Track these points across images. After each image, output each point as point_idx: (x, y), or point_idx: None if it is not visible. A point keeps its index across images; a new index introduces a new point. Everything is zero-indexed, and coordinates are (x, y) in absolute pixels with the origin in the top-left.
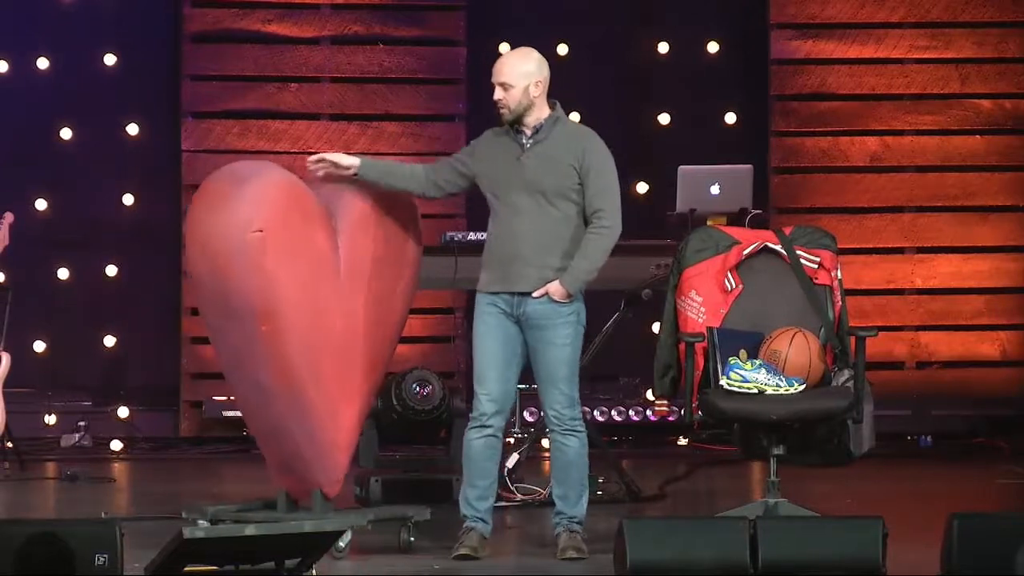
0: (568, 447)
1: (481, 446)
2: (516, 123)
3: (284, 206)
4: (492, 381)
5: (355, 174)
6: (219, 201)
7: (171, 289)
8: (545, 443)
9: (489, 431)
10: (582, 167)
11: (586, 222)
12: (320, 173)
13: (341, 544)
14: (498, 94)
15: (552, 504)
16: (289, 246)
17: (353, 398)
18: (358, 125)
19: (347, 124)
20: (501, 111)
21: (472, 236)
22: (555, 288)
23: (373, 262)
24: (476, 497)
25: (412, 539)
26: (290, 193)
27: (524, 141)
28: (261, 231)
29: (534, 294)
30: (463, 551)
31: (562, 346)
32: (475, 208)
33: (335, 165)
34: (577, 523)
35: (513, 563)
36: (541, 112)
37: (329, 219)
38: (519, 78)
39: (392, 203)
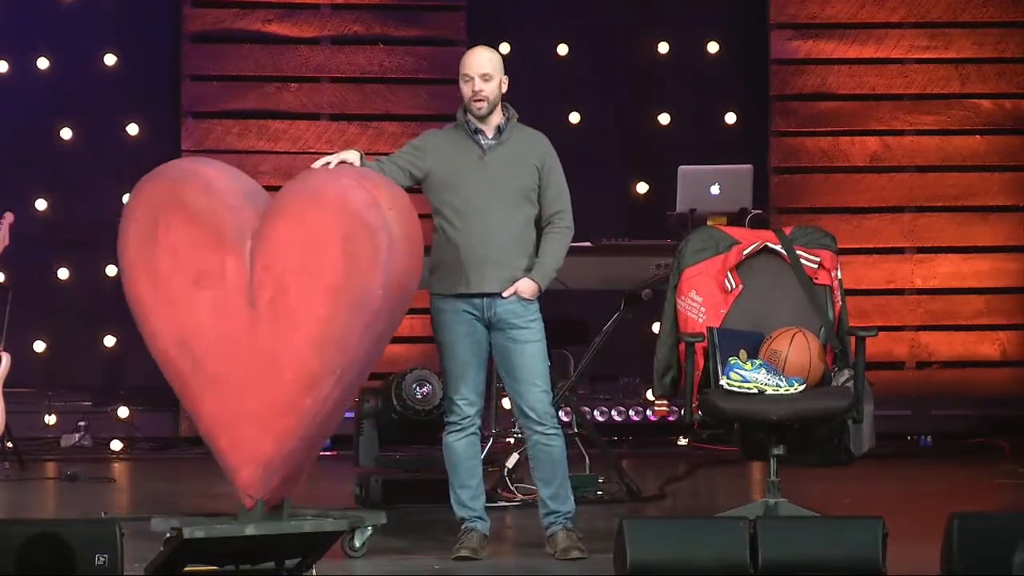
0: (554, 446)
1: (464, 446)
2: (478, 121)
3: None
4: (469, 388)
5: None
6: (392, 209)
7: None
8: None
9: (471, 430)
10: (543, 168)
11: (537, 222)
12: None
13: (357, 543)
14: (478, 85)
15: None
16: None
17: None
18: (358, 125)
19: (347, 124)
20: (478, 104)
21: None
22: (526, 286)
23: None
24: (470, 497)
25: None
26: None
27: (484, 142)
28: None
29: (504, 294)
30: (464, 552)
31: (536, 342)
32: None
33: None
34: (571, 518)
35: (513, 563)
36: (501, 113)
37: None
38: (498, 70)
39: None
